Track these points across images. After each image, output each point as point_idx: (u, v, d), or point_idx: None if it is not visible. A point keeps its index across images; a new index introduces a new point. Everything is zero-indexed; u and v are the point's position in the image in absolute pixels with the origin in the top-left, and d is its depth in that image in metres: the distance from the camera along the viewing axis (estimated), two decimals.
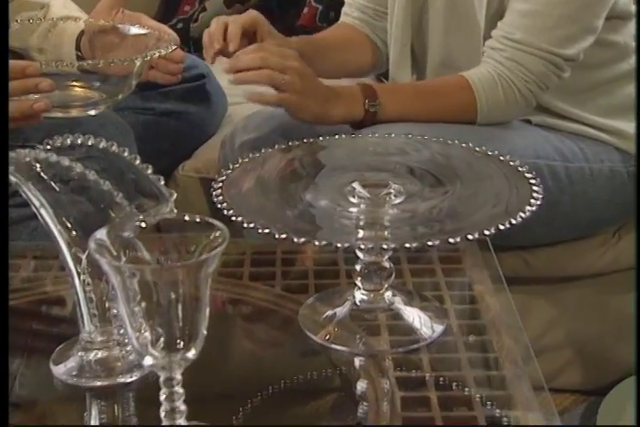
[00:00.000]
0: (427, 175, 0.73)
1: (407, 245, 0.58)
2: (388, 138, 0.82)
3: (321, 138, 0.80)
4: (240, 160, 0.75)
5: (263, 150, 0.77)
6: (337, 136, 0.82)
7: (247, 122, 1.15)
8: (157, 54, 0.96)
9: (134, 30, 1.08)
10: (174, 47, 0.99)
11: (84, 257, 0.63)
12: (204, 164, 1.26)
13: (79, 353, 0.66)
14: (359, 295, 0.71)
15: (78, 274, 0.64)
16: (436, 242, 0.58)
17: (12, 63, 0.88)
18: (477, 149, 0.76)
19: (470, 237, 0.59)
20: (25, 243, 0.94)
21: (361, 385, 0.65)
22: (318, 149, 0.80)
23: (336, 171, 0.75)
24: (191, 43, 1.63)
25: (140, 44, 1.06)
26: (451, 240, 0.58)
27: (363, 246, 0.60)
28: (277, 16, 1.73)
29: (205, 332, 0.53)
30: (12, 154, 0.62)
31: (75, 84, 1.02)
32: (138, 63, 0.97)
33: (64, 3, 1.21)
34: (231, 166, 0.75)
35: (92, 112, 0.99)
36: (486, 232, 0.59)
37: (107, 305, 0.64)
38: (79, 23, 1.11)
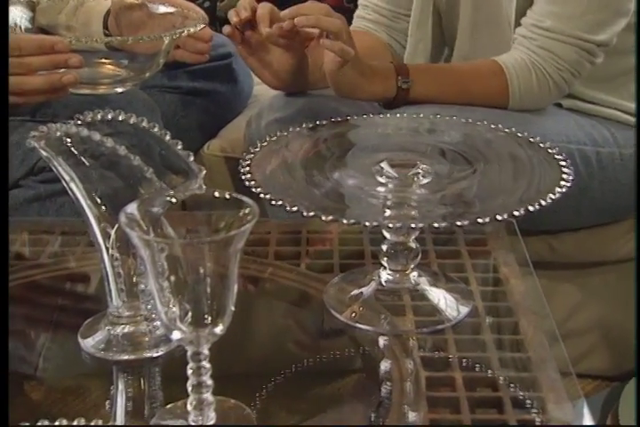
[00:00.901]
0: (457, 156, 0.73)
1: (435, 224, 0.57)
2: (417, 118, 0.81)
3: (349, 117, 0.80)
4: (267, 139, 0.75)
5: (290, 129, 0.77)
6: (365, 116, 0.81)
7: (273, 101, 1.15)
8: (186, 32, 0.96)
9: (162, 8, 1.07)
10: (203, 26, 0.99)
11: (112, 232, 0.63)
12: (229, 143, 1.26)
13: (107, 327, 0.66)
14: (385, 275, 0.71)
15: (107, 249, 0.64)
16: (465, 222, 0.58)
17: (42, 38, 0.89)
18: (507, 130, 0.76)
19: (499, 217, 0.58)
20: (52, 218, 0.95)
21: (385, 365, 0.65)
22: (347, 128, 0.80)
23: (365, 151, 0.75)
24: (217, 22, 1.63)
25: (167, 22, 1.06)
26: (479, 220, 0.58)
27: (391, 225, 0.60)
28: None
29: (233, 308, 0.53)
30: (42, 128, 0.63)
31: (103, 61, 1.02)
32: (166, 41, 0.97)
33: None
34: (259, 145, 0.75)
35: (120, 89, 1.00)
36: (515, 213, 0.59)
37: (134, 280, 0.65)
38: (106, 1, 1.11)
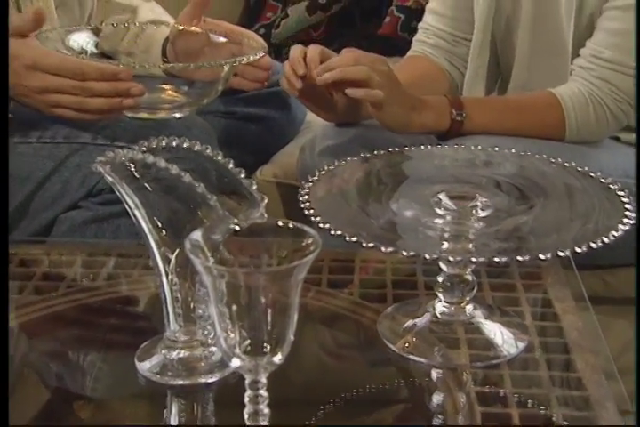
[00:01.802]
0: (513, 189, 0.73)
1: (496, 259, 0.57)
2: (473, 150, 0.81)
3: (404, 148, 0.80)
4: (326, 168, 0.76)
5: (345, 159, 0.77)
6: (421, 146, 0.82)
7: (326, 129, 1.16)
8: (245, 60, 0.97)
9: (219, 37, 1.09)
10: (262, 54, 1.00)
11: (172, 257, 0.64)
12: (281, 169, 1.27)
13: (162, 351, 0.67)
14: (440, 307, 0.71)
15: (166, 274, 0.65)
16: (526, 257, 0.57)
17: (106, 66, 0.91)
18: (566, 164, 0.76)
19: (561, 254, 0.58)
20: (109, 240, 0.97)
21: (438, 398, 0.64)
22: (401, 158, 0.80)
23: (421, 182, 0.75)
24: (272, 49, 1.65)
25: (226, 50, 1.08)
26: (541, 257, 0.57)
27: (451, 259, 0.59)
28: (359, 24, 1.73)
29: (293, 338, 0.53)
30: (109, 153, 0.64)
31: (163, 86, 1.04)
32: (226, 69, 0.99)
33: (151, 7, 1.24)
34: (317, 173, 0.75)
35: (178, 115, 1.01)
36: (578, 250, 0.58)
37: (192, 305, 0.65)
38: (165, 29, 1.14)
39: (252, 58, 0.97)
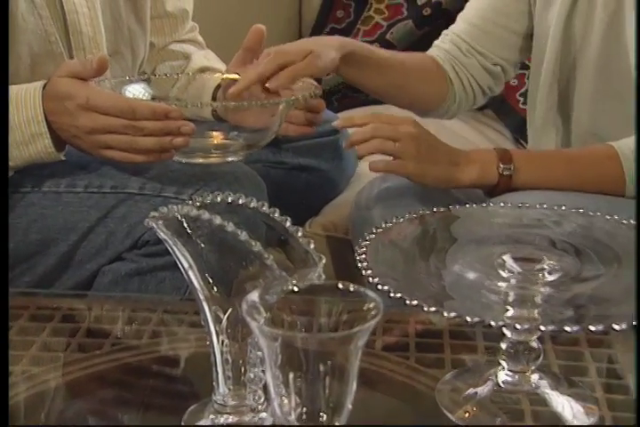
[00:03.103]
0: (579, 251, 0.73)
1: (567, 328, 0.57)
2: (529, 208, 0.82)
3: (458, 206, 0.81)
4: (383, 225, 0.77)
5: (401, 218, 0.78)
6: (469, 206, 0.82)
7: (379, 180, 1.17)
8: (301, 98, 0.99)
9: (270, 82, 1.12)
10: (319, 93, 1.02)
11: (224, 317, 0.65)
12: (331, 221, 1.29)
13: (211, 416, 0.67)
14: (503, 376, 0.71)
15: (217, 333, 0.66)
16: (600, 327, 0.57)
17: (157, 105, 0.94)
18: (624, 221, 0.76)
19: (635, 323, 0.58)
20: (153, 296, 0.98)
21: None
22: (457, 217, 0.81)
23: (479, 242, 0.75)
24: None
25: (276, 96, 1.11)
26: (615, 327, 0.57)
27: (518, 326, 0.60)
28: None
29: (350, 406, 0.54)
30: (162, 209, 0.66)
31: (213, 131, 1.07)
32: (281, 107, 1.01)
33: (205, 54, 1.28)
34: (373, 231, 0.76)
35: (230, 159, 1.04)
36: None
37: (242, 368, 0.66)
38: (217, 76, 1.18)
39: (307, 94, 1.00)
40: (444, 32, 1.24)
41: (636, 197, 1.03)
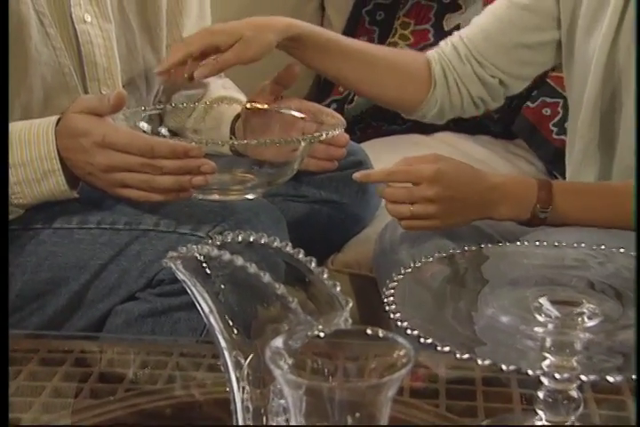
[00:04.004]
0: (619, 294, 0.72)
1: (610, 378, 0.57)
2: (560, 247, 0.81)
3: (485, 246, 0.81)
4: (412, 265, 0.77)
5: (430, 257, 0.78)
6: (501, 244, 0.82)
7: None
8: (324, 136, 1.00)
9: (292, 114, 1.13)
10: (341, 129, 1.03)
11: (245, 363, 0.66)
12: (355, 259, 1.29)
13: None
14: None
15: (237, 380, 0.66)
16: None
17: (176, 143, 0.95)
18: None
19: None
20: (168, 338, 0.98)
21: None
22: (484, 258, 0.81)
23: (513, 283, 0.75)
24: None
25: (297, 128, 1.12)
26: None
27: (558, 376, 0.59)
28: None
29: None
30: (181, 249, 0.66)
31: (232, 166, 1.08)
32: (303, 145, 1.02)
33: (223, 83, 1.30)
34: (402, 271, 0.76)
35: (250, 196, 1.05)
36: None
37: (264, 417, 0.66)
38: (235, 106, 1.19)
39: (329, 134, 1.00)
40: (454, 33, 1.25)
41: (637, 202, 1.02)
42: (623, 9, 1.09)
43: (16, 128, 0.96)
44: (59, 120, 0.97)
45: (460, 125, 1.71)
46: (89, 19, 1.08)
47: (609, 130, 1.15)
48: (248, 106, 1.16)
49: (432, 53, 1.24)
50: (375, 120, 1.73)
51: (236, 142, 1.07)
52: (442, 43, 1.25)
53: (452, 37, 1.24)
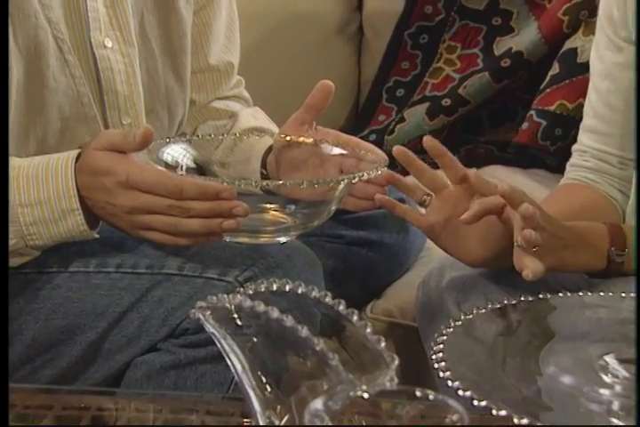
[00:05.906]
0: None
1: None
2: (628, 299, 0.81)
3: (543, 296, 0.81)
4: (462, 317, 0.77)
5: (482, 308, 0.78)
6: (562, 294, 0.82)
7: (452, 259, 1.17)
8: (367, 176, 0.99)
9: (332, 148, 1.13)
10: (384, 169, 1.03)
11: (279, 424, 0.66)
12: (396, 305, 1.29)
13: None
14: None
15: None
16: None
17: (206, 183, 0.95)
18: None
19: None
20: (193, 394, 0.98)
21: None
22: (547, 308, 0.81)
23: (575, 338, 0.75)
24: None
25: (335, 164, 1.12)
26: None
27: None
28: (488, 130, 1.78)
29: None
30: (211, 299, 0.67)
31: (265, 205, 1.08)
32: (342, 185, 1.02)
33: (253, 112, 1.31)
34: (451, 323, 0.77)
35: (283, 239, 1.04)
36: None
37: None
38: (267, 138, 1.19)
39: (374, 173, 1.00)
40: (576, 148, 1.22)
41: (637, 203, 1.00)
42: None
43: (32, 163, 0.97)
44: (78, 155, 0.98)
45: (511, 159, 1.71)
46: (109, 44, 1.10)
47: None
48: (280, 138, 1.16)
49: (585, 176, 1.18)
50: (418, 153, 1.73)
51: (271, 184, 1.06)
52: (576, 162, 1.21)
53: (581, 155, 1.21)
